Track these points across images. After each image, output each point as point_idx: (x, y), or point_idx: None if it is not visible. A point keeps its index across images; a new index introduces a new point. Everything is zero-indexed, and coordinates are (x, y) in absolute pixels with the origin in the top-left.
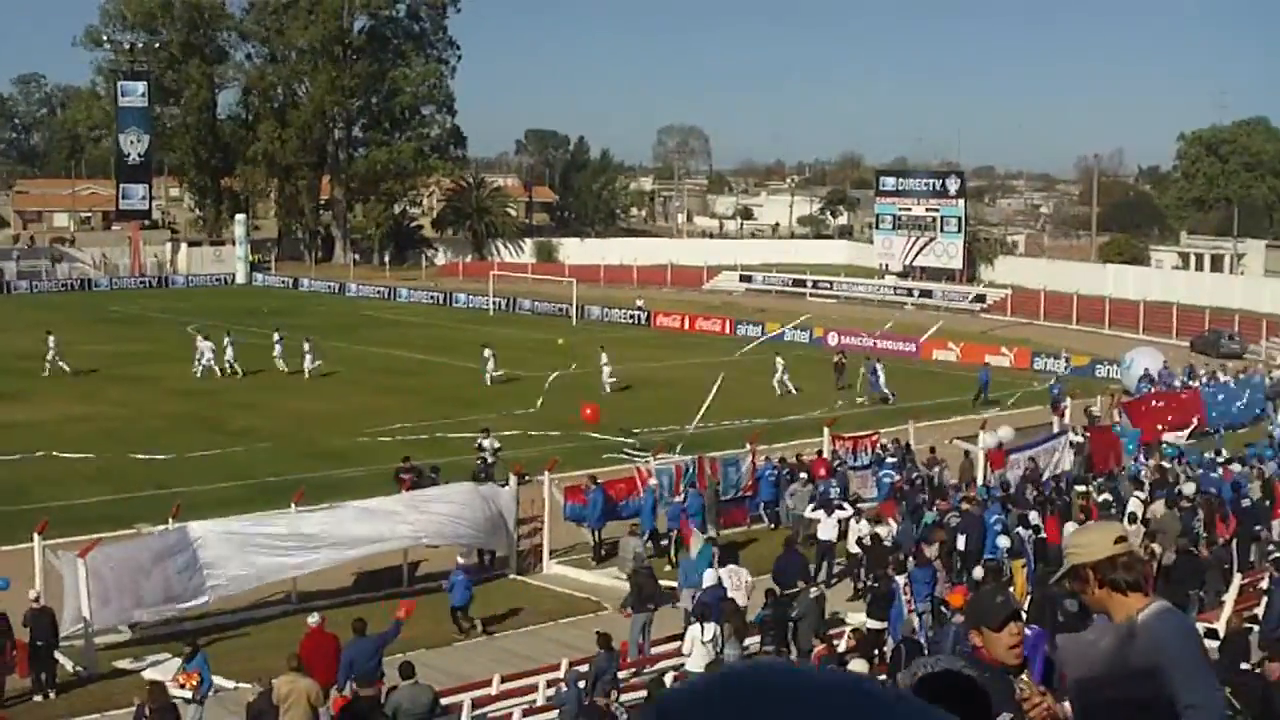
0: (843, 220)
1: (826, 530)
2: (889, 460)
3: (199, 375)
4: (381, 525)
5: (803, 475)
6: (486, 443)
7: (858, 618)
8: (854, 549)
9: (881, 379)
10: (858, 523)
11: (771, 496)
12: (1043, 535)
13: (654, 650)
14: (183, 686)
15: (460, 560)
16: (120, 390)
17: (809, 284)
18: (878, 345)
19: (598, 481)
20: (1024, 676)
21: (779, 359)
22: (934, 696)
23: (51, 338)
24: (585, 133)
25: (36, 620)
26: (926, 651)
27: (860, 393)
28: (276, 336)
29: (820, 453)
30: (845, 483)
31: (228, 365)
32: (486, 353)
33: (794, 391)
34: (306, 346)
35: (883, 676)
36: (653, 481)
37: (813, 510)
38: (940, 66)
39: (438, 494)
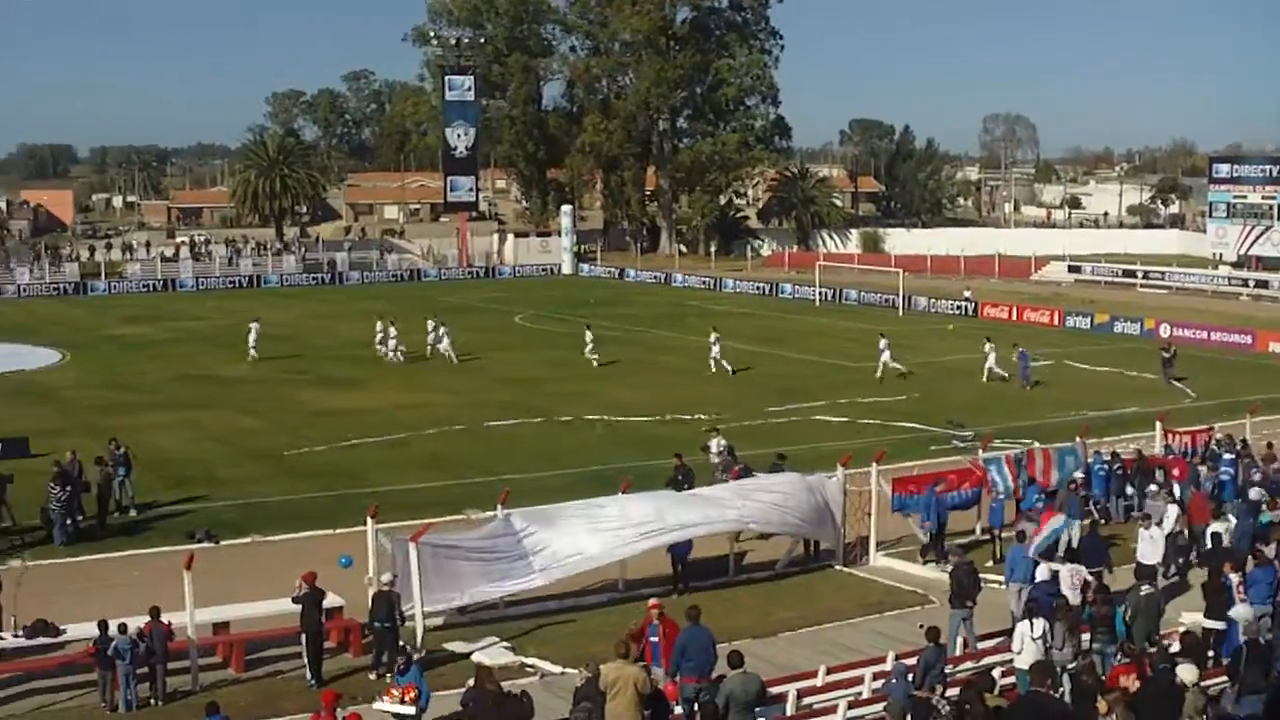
0: (1174, 209)
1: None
2: (1225, 456)
3: (387, 358)
4: (709, 510)
5: (1155, 483)
6: (713, 443)
7: (1192, 616)
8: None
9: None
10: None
11: (1102, 491)
12: None
13: (981, 645)
14: (402, 700)
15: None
16: (449, 378)
17: (1139, 274)
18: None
19: (938, 484)
20: None
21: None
22: None
23: (253, 325)
24: (910, 122)
25: (375, 602)
26: (1275, 655)
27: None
28: (430, 325)
29: (1169, 449)
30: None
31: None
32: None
33: (879, 377)
34: (442, 331)
35: (1223, 679)
36: (1078, 475)
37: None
38: (1275, 49)
39: (764, 483)
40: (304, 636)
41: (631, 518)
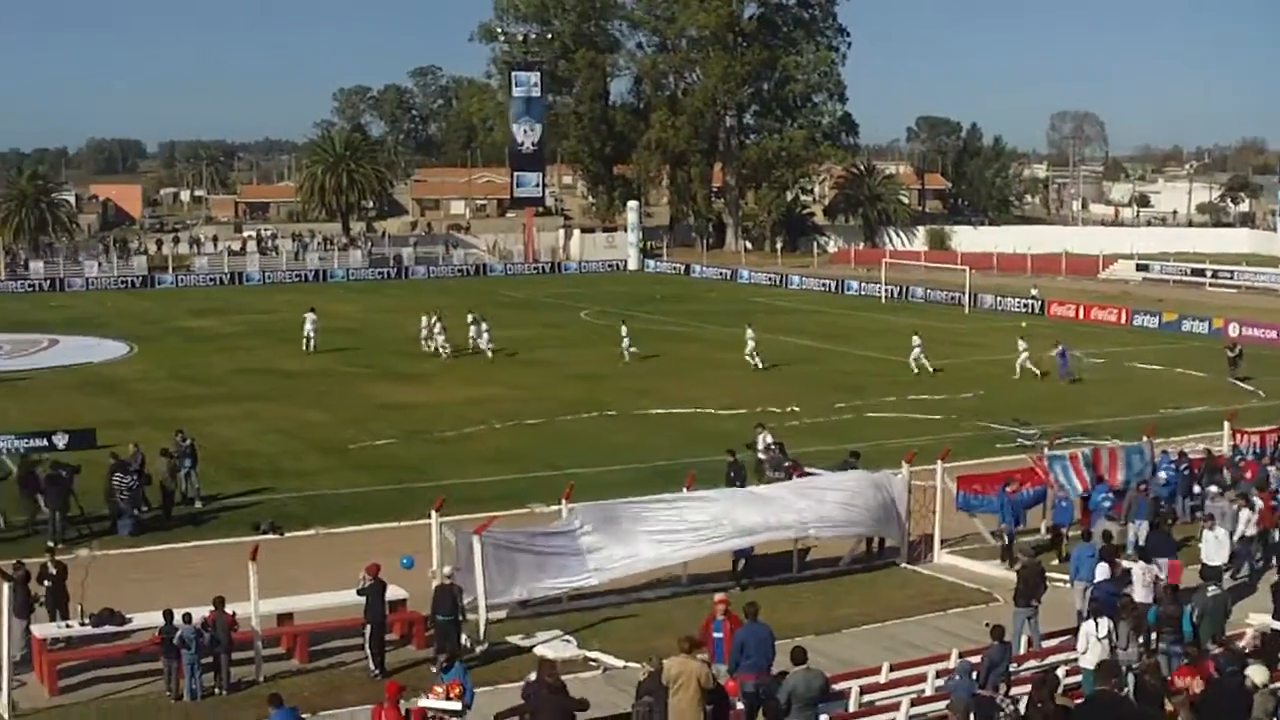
0: (1244, 207)
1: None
2: None
3: (435, 353)
4: (769, 513)
5: (1218, 484)
6: (760, 439)
7: (1260, 618)
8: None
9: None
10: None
11: (1168, 491)
12: None
13: (1045, 644)
14: (447, 697)
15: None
16: (515, 374)
17: (1208, 273)
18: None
19: (1009, 484)
20: None
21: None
22: None
23: (309, 315)
24: (978, 119)
25: (438, 595)
26: None
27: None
28: (470, 318)
29: (1237, 450)
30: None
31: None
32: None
33: (931, 372)
34: (483, 326)
35: None
36: (1162, 475)
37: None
38: None
39: (831, 481)
40: (367, 628)
41: (689, 522)
